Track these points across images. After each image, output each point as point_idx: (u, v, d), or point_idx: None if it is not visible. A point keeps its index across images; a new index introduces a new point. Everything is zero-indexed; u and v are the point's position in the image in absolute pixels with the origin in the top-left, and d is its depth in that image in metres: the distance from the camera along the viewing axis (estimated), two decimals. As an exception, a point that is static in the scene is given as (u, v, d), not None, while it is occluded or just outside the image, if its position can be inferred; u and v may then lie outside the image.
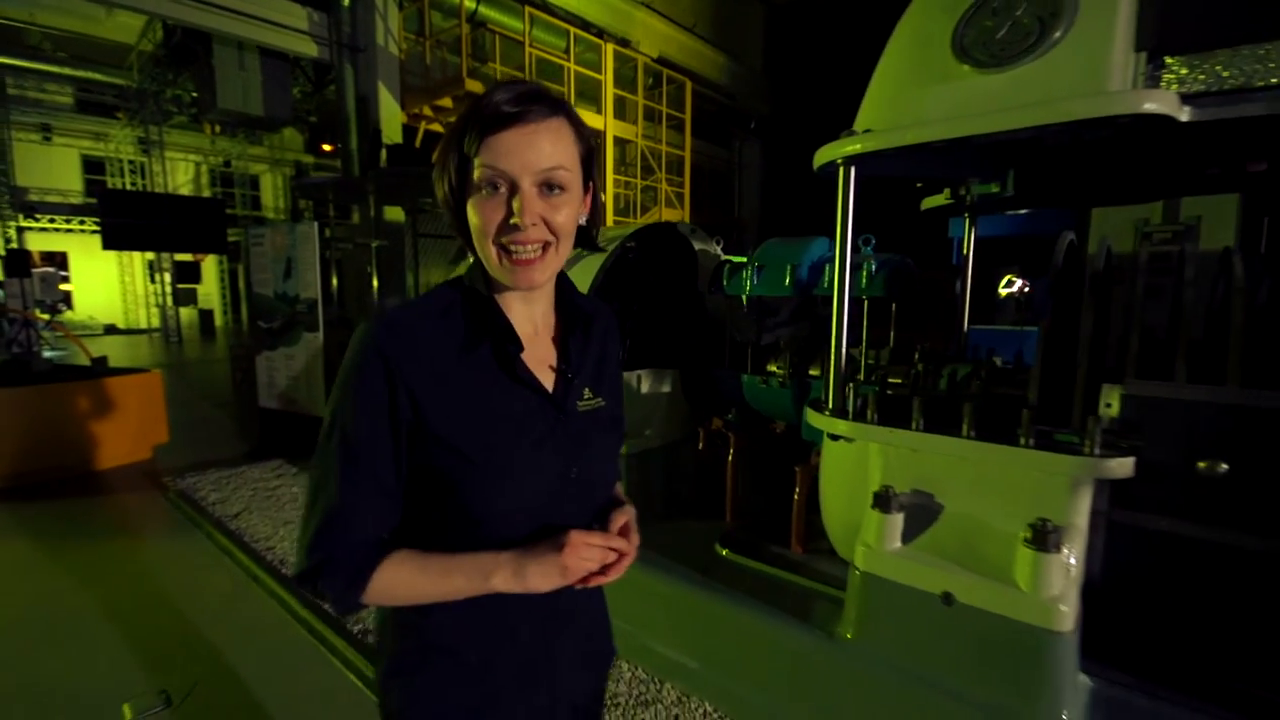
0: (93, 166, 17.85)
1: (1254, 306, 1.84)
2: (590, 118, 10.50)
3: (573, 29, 11.32)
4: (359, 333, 0.75)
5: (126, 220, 13.13)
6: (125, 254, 18.35)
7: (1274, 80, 1.27)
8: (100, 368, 5.40)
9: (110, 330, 18.33)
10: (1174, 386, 1.44)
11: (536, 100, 0.71)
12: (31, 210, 15.99)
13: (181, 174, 18.78)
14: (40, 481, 4.34)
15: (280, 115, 13.33)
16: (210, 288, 19.84)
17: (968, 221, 2.77)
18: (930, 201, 2.62)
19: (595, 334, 0.88)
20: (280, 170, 20.48)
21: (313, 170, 19.78)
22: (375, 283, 9.97)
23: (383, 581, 0.72)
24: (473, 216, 0.73)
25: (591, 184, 0.80)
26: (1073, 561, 1.47)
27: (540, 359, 0.82)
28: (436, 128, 10.80)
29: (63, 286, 17.45)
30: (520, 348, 0.77)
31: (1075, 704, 1.47)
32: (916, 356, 2.41)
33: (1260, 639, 1.43)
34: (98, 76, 15.52)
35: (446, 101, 9.97)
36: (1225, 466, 1.34)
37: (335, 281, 11.44)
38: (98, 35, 15.31)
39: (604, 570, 0.77)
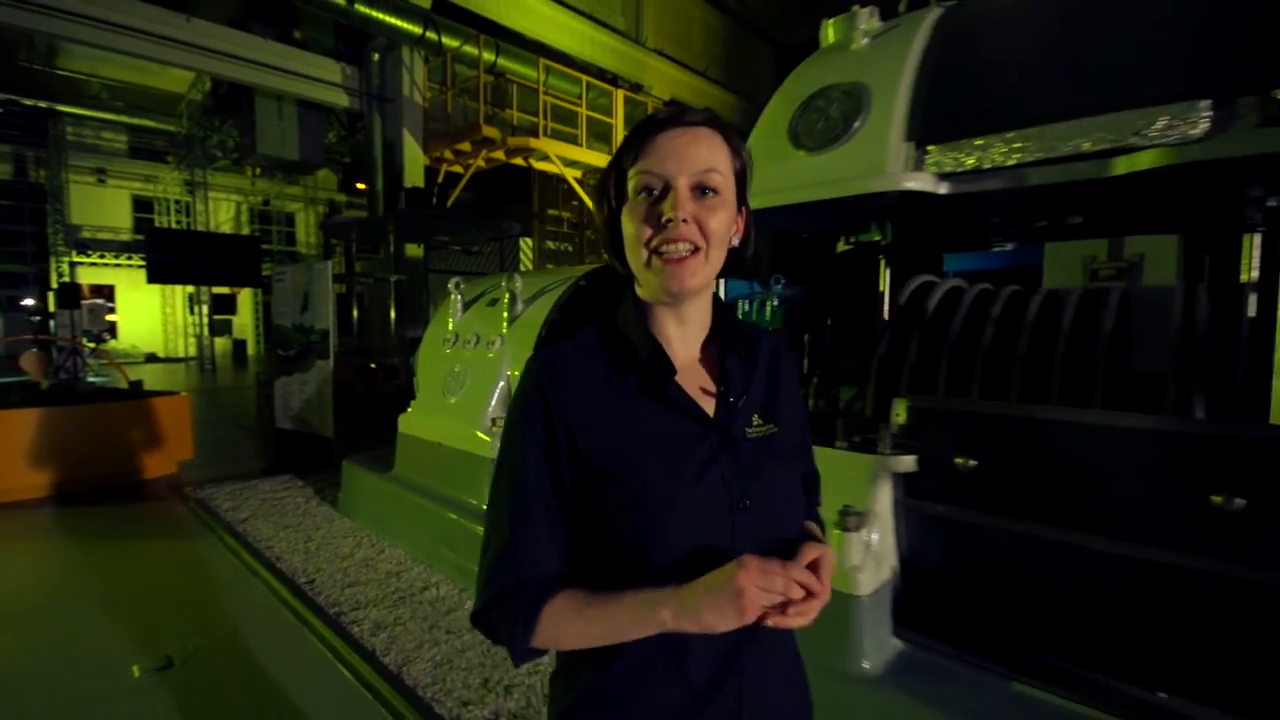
0: (142, 205, 19.22)
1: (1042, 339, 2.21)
2: (602, 159, 11.18)
3: (585, 78, 12.09)
4: (523, 372, 0.76)
5: (170, 256, 14.21)
6: (168, 287, 19.53)
7: (997, 164, 1.68)
8: (135, 390, 6.03)
9: (150, 359, 19.44)
10: (938, 399, 1.83)
11: (692, 110, 0.74)
12: (84, 247, 17.27)
13: (224, 212, 20.10)
14: (78, 491, 4.91)
15: (314, 159, 14.39)
16: (245, 319, 20.95)
17: (883, 261, 3.19)
18: (842, 246, 3.05)
19: (761, 358, 0.83)
20: (315, 209, 21.77)
21: (345, 208, 20.99)
22: (394, 314, 10.65)
23: (552, 619, 0.69)
24: (627, 226, 0.73)
25: (745, 207, 0.78)
26: (874, 539, 1.85)
27: (699, 384, 0.78)
28: (457, 169, 11.61)
29: (109, 317, 18.68)
30: (673, 370, 0.75)
31: (879, 659, 1.83)
32: (815, 381, 2.81)
33: (1019, 605, 1.77)
34: (150, 124, 16.92)
35: (465, 145, 10.78)
36: (975, 462, 1.72)
37: (356, 314, 12.21)
38: (152, 85, 16.68)
39: (784, 609, 0.66)
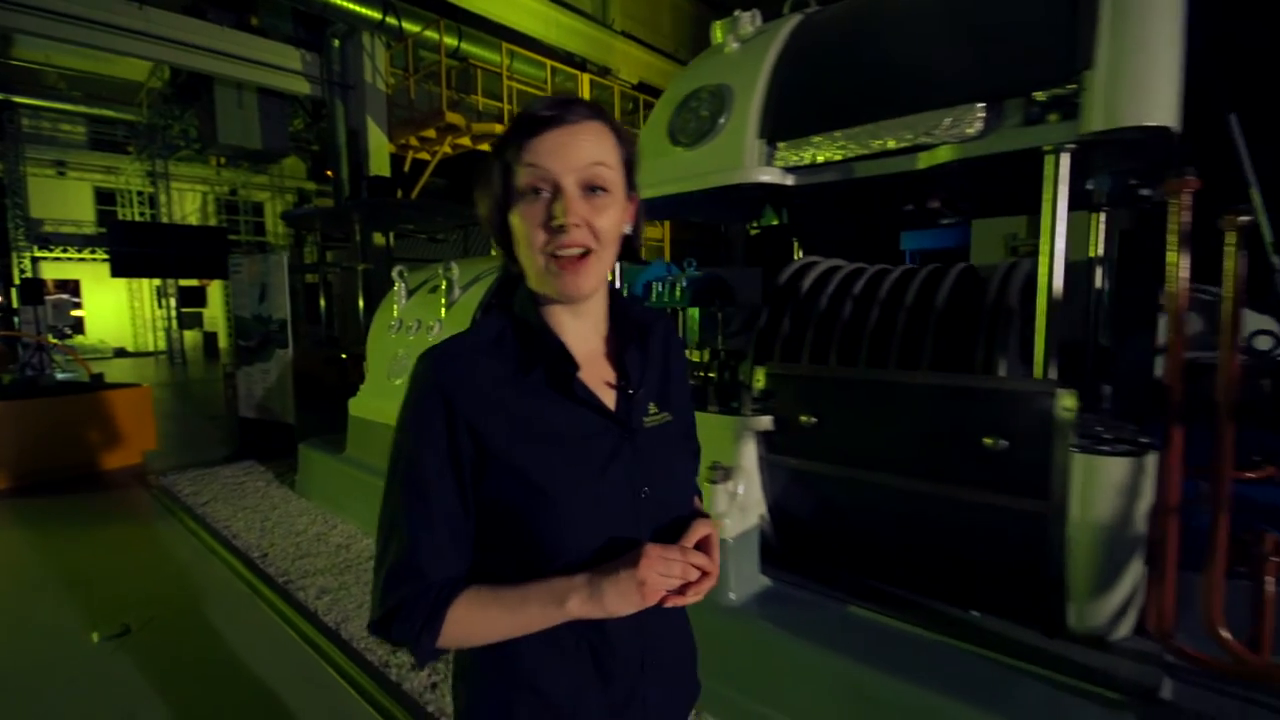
0: (105, 198, 18.96)
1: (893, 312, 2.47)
2: (564, 145, 11.27)
3: (550, 62, 12.12)
4: (415, 369, 0.75)
5: (133, 249, 14.12)
6: (134, 280, 19.36)
7: (830, 159, 1.93)
8: (97, 383, 6.15)
9: (120, 353, 19.31)
10: (782, 366, 2.09)
11: (575, 104, 0.72)
12: (46, 241, 17.05)
13: (189, 203, 19.88)
14: (42, 482, 5.07)
15: (277, 148, 14.28)
16: (216, 311, 20.83)
17: (795, 242, 3.44)
18: (753, 230, 3.30)
19: (654, 346, 0.85)
20: (283, 198, 21.56)
21: (315, 196, 20.85)
22: (361, 304, 10.75)
23: (457, 620, 0.70)
24: (517, 227, 0.72)
25: (634, 194, 0.79)
26: (740, 490, 2.12)
27: (599, 377, 0.79)
28: (424, 156, 11.66)
29: (74, 313, 18.50)
30: (576, 367, 0.75)
31: (745, 593, 2.11)
32: (723, 355, 3.06)
33: (857, 540, 2.06)
34: (109, 113, 16.67)
35: (430, 132, 10.82)
36: (814, 419, 1.98)
37: (324, 303, 12.27)
38: (110, 74, 16.39)
39: (683, 590, 0.71)
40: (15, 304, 12.92)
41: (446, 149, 11.06)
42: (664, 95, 2.43)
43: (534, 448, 0.72)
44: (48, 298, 11.93)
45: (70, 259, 18.00)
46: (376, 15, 10.88)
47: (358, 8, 10.69)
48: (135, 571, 3.50)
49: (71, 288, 18.79)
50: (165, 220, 17.71)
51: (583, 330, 0.79)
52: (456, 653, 0.80)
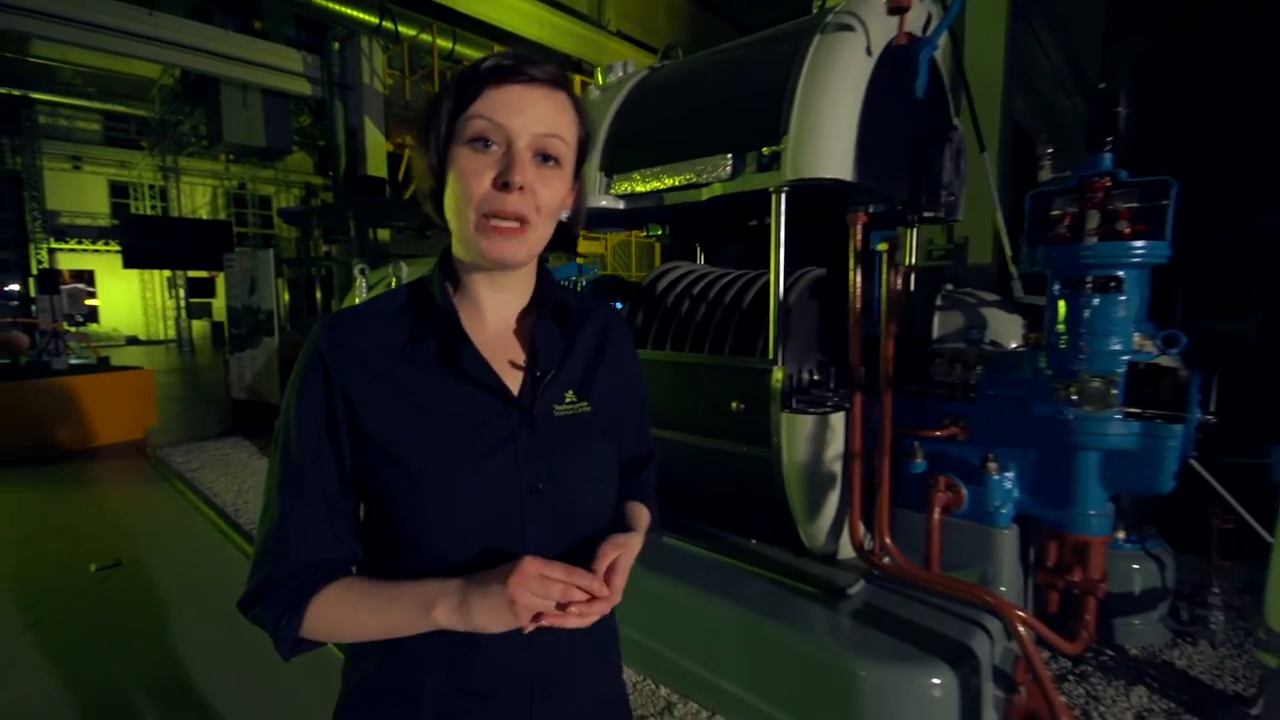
0: (119, 191, 19.85)
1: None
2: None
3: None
4: (307, 337, 0.70)
5: (144, 242, 14.94)
6: (146, 271, 20.24)
7: (648, 190, 2.52)
8: (104, 366, 6.88)
9: (132, 341, 20.24)
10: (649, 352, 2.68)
11: (542, 64, 0.67)
12: (62, 234, 17.94)
13: (200, 197, 20.74)
14: (52, 452, 5.79)
15: (281, 146, 14.99)
16: (224, 302, 21.73)
17: (699, 248, 4.01)
18: (646, 237, 3.88)
19: (586, 332, 0.79)
20: (290, 192, 22.33)
21: (321, 191, 21.61)
22: (357, 299, 11.41)
23: (324, 612, 0.64)
24: (453, 175, 0.65)
25: (578, 179, 0.74)
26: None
27: (505, 356, 0.73)
28: (419, 154, 12.30)
29: (88, 302, 19.37)
30: (467, 339, 0.68)
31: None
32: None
33: (674, 487, 2.66)
34: (123, 109, 17.48)
35: None
36: (636, 391, 2.59)
37: (320, 295, 12.99)
38: (123, 71, 17.16)
39: (564, 608, 0.62)
40: (33, 293, 13.77)
41: (440, 148, 11.64)
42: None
43: (412, 425, 0.66)
44: (63, 287, 12.75)
45: (85, 250, 18.91)
46: (374, 20, 11.48)
47: (355, 12, 11.28)
48: (129, 521, 4.18)
49: (86, 278, 19.69)
50: (176, 213, 18.55)
51: (500, 305, 0.74)
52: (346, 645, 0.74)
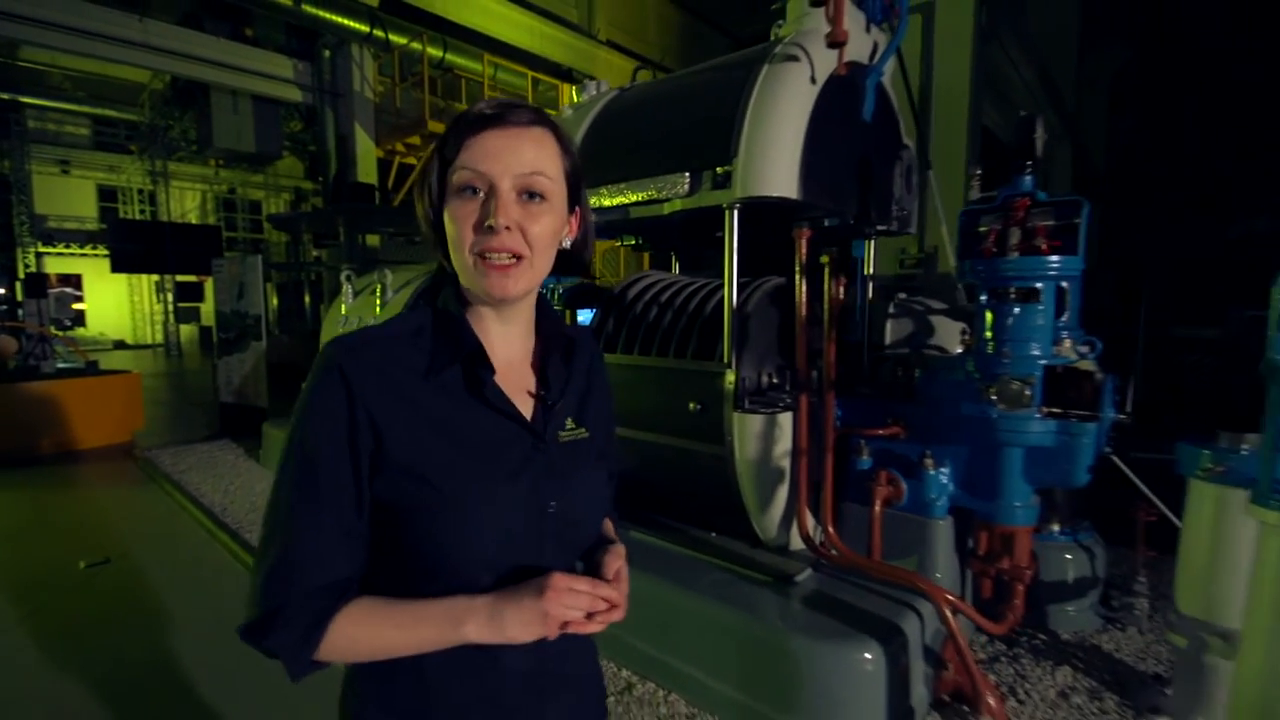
0: (107, 195, 19.83)
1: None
2: (540, 153, 11.99)
3: (531, 72, 12.80)
4: (320, 357, 0.71)
5: (132, 246, 14.95)
6: (135, 276, 20.21)
7: (615, 204, 2.69)
8: (92, 370, 6.96)
9: (120, 345, 20.19)
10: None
11: (519, 107, 0.71)
12: (49, 238, 17.91)
13: (189, 201, 20.75)
14: (40, 454, 5.88)
15: (270, 151, 15.06)
16: (212, 306, 21.70)
17: (674, 256, 4.19)
18: (621, 246, 4.05)
19: (579, 361, 0.84)
20: (280, 197, 22.38)
21: (311, 196, 21.67)
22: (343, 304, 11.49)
23: (342, 633, 0.65)
24: (449, 224, 0.71)
25: (579, 207, 0.78)
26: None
27: (518, 384, 0.78)
28: (411, 160, 12.42)
29: (76, 306, 19.32)
30: (492, 370, 0.73)
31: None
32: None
33: (641, 483, 2.82)
34: (112, 113, 17.51)
35: (415, 139, 11.53)
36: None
37: (308, 299, 13.07)
38: (113, 75, 17.19)
39: (589, 618, 0.69)
40: (20, 297, 13.77)
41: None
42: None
43: (439, 448, 0.69)
44: (50, 291, 12.78)
45: (73, 254, 18.88)
46: (364, 28, 11.61)
47: (346, 21, 11.39)
48: (117, 520, 4.30)
49: (74, 282, 19.65)
50: (165, 218, 18.55)
51: (507, 336, 0.78)
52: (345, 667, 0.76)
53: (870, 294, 3.22)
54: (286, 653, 0.65)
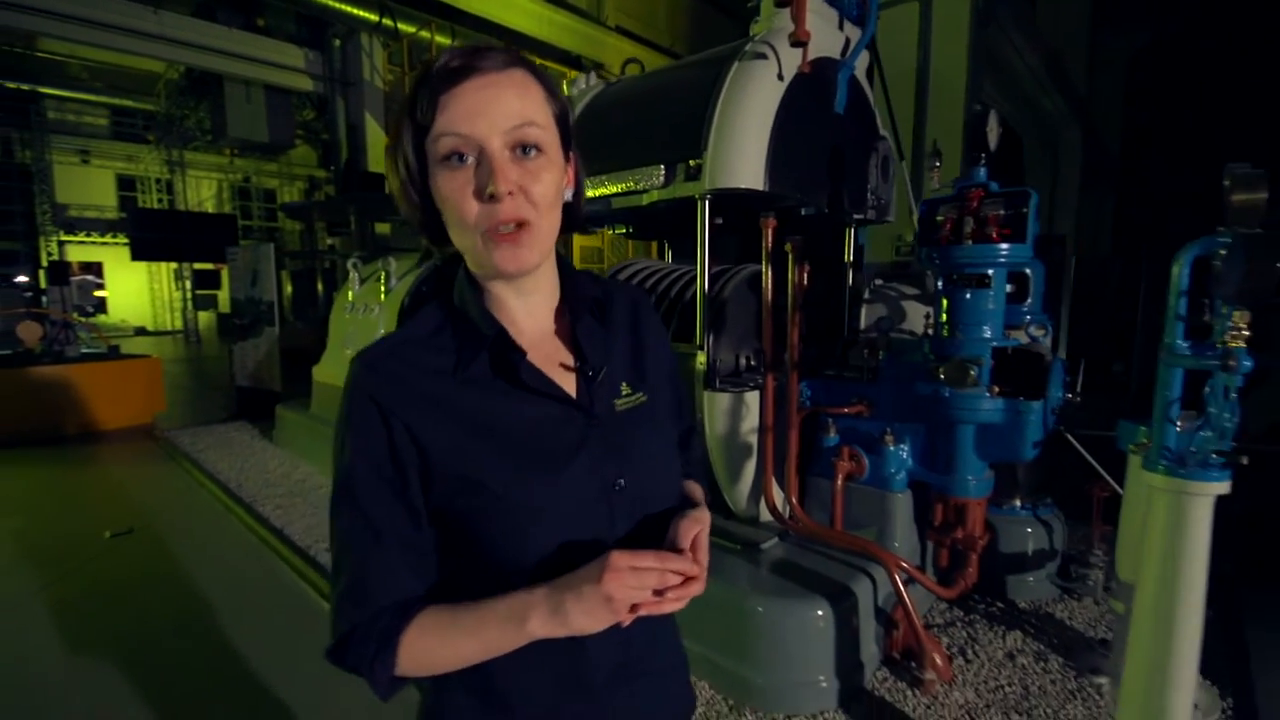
0: (126, 184, 20.25)
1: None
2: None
3: (539, 60, 12.90)
4: (348, 376, 0.68)
5: (151, 234, 15.32)
6: (154, 263, 20.66)
7: (598, 195, 2.84)
8: (114, 354, 7.26)
9: (140, 332, 20.70)
10: None
11: (490, 51, 0.63)
12: (71, 226, 18.36)
13: (205, 190, 21.11)
14: (65, 435, 6.18)
15: (283, 140, 15.32)
16: (229, 293, 22.12)
17: (667, 245, 4.33)
18: (613, 235, 4.20)
19: (618, 318, 0.77)
20: (295, 184, 22.69)
21: (324, 184, 21.97)
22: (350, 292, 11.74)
23: (414, 646, 0.63)
24: (442, 201, 0.64)
25: (572, 153, 0.70)
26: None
27: (553, 360, 0.71)
28: (420, 149, 12.58)
29: (98, 293, 19.78)
30: (522, 352, 0.68)
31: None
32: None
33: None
34: (130, 103, 17.83)
35: None
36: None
37: (321, 287, 13.35)
38: (130, 66, 17.47)
39: (661, 596, 0.61)
40: (43, 284, 14.18)
41: (440, 142, 11.86)
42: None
43: (484, 446, 0.66)
44: (73, 279, 13.16)
45: (94, 243, 19.33)
46: (373, 17, 11.76)
47: (355, 10, 11.55)
48: (139, 495, 4.56)
49: (95, 270, 20.12)
50: (182, 207, 18.93)
51: (531, 308, 0.72)
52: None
53: (851, 280, 3.36)
54: (367, 673, 0.64)
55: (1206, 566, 1.39)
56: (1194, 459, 1.35)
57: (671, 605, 0.62)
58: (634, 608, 0.60)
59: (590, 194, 2.87)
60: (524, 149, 0.63)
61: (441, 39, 12.15)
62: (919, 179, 6.00)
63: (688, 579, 0.62)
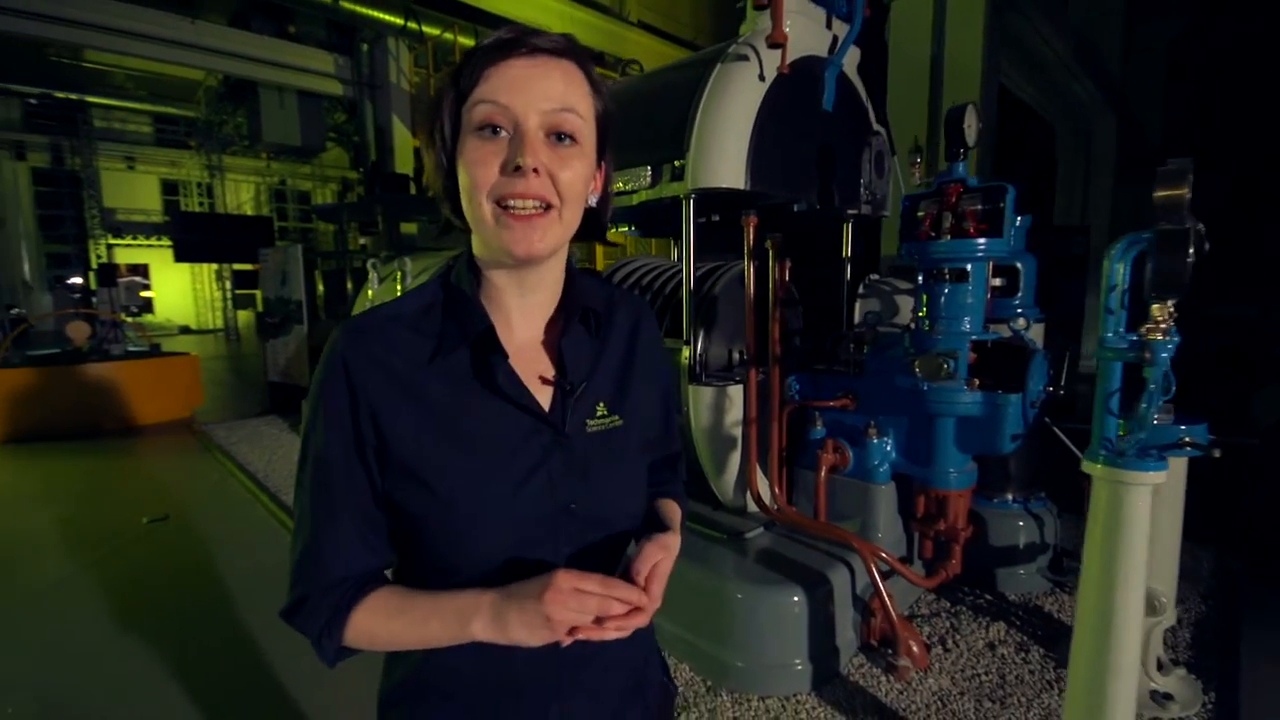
0: (169, 189, 21.09)
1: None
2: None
3: (562, 57, 13.00)
4: (328, 341, 0.67)
5: (193, 236, 15.95)
6: (197, 264, 21.48)
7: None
8: (155, 352, 7.64)
9: (184, 331, 21.56)
10: None
11: (546, 34, 0.62)
12: (118, 230, 19.22)
13: (244, 193, 21.86)
14: (111, 428, 6.55)
15: (315, 145, 15.77)
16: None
17: (672, 242, 4.42)
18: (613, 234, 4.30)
19: (616, 332, 0.74)
20: (328, 186, 23.32)
21: (356, 185, 22.54)
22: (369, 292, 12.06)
23: (361, 626, 0.65)
24: (463, 169, 0.62)
25: (605, 161, 0.69)
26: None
27: (535, 369, 0.69)
28: (445, 150, 12.86)
29: (144, 294, 20.72)
30: (504, 354, 0.66)
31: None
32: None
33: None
34: (172, 110, 18.56)
35: None
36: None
37: (350, 285, 13.73)
38: (171, 74, 18.15)
39: (602, 623, 0.60)
40: (93, 286, 14.91)
41: (464, 142, 12.06)
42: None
43: (442, 446, 0.64)
44: (120, 280, 13.83)
45: (140, 245, 20.21)
46: (399, 21, 12.03)
47: (381, 14, 11.83)
48: (175, 485, 4.84)
49: (142, 271, 21.02)
50: (222, 209, 19.65)
51: (528, 309, 0.70)
52: None
53: (849, 275, 3.40)
54: (314, 640, 0.67)
55: (1146, 555, 1.43)
56: (1131, 449, 1.39)
57: (612, 634, 0.61)
58: (574, 630, 0.60)
59: (584, 195, 2.98)
60: (559, 135, 0.62)
61: (465, 40, 12.35)
62: (933, 170, 5.94)
63: (634, 609, 0.61)
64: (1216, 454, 1.94)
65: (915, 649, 2.24)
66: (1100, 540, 1.47)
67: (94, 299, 13.52)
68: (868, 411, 2.62)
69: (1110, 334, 1.38)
